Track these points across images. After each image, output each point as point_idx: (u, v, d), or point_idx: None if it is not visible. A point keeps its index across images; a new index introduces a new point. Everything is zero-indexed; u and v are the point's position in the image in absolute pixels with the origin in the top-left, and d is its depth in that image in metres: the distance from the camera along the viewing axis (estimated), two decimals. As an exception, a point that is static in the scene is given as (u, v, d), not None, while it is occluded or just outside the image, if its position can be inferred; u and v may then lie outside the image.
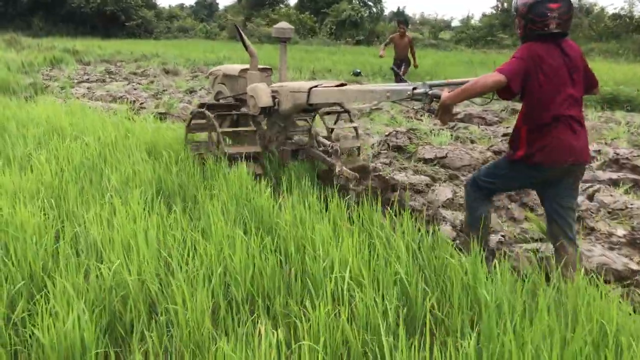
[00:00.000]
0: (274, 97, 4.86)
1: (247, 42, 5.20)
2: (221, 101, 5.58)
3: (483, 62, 20.16)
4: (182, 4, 64.04)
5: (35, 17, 43.63)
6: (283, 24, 5.36)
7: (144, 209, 3.37)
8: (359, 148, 5.59)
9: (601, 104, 10.11)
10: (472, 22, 49.31)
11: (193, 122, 5.11)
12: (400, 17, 13.79)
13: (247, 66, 5.39)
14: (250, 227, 3.17)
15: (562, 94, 2.94)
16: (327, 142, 5.12)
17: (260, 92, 4.82)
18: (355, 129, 5.68)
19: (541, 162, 2.99)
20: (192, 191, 3.99)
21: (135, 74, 16.55)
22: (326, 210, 3.49)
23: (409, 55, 11.61)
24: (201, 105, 5.04)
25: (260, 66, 5.35)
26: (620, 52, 25.61)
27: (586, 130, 3.10)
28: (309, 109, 5.07)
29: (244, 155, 4.59)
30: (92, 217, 3.23)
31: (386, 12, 54.33)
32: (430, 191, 5.23)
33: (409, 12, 59.95)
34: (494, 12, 45.92)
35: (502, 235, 3.92)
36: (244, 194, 3.75)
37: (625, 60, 23.06)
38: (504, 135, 7.45)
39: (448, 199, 5.00)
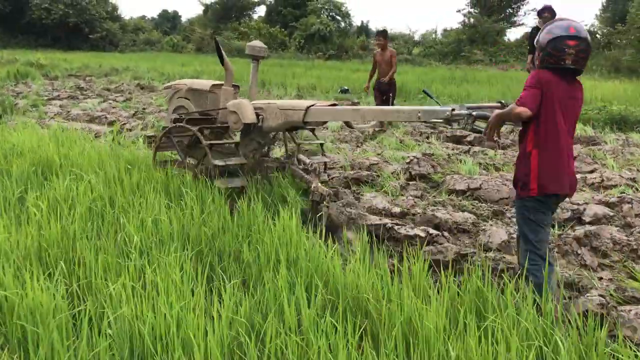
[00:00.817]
0: (257, 114, 4.85)
1: (225, 57, 5.11)
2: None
3: (465, 78, 19.89)
4: (144, 16, 62.71)
5: (-6, 28, 41.91)
6: (257, 43, 5.37)
7: (185, 276, 2.67)
8: (325, 164, 5.62)
9: (609, 124, 9.75)
10: (433, 36, 49.70)
11: (164, 139, 5.00)
12: (380, 30, 10.65)
13: (217, 82, 5.39)
14: (340, 310, 2.47)
15: (564, 124, 3.11)
16: (307, 160, 5.24)
17: (245, 108, 4.78)
18: (321, 145, 5.77)
19: (553, 190, 3.12)
20: (233, 245, 3.30)
21: (108, 89, 15.61)
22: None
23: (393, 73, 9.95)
24: (179, 120, 4.94)
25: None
26: (594, 68, 25.82)
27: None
28: (298, 127, 5.11)
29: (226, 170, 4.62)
30: (121, 293, 2.51)
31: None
32: (481, 232, 4.65)
33: (372, 27, 59.90)
34: (461, 27, 46.45)
35: (601, 296, 3.32)
36: (301, 251, 3.08)
37: (601, 77, 23.22)
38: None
39: (503, 241, 4.42)
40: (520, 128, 3.28)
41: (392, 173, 6.32)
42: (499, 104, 3.60)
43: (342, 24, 52.01)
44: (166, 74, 19.45)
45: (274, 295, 2.54)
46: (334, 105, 4.80)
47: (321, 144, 5.79)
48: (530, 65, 10.70)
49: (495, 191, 5.64)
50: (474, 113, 3.55)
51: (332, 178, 6.10)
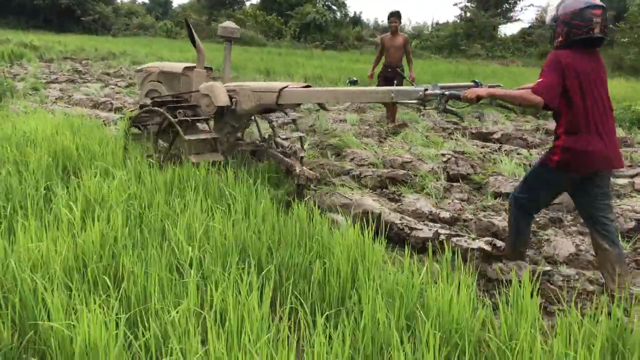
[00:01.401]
0: (230, 97, 4.79)
1: (197, 38, 5.02)
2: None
3: (470, 72, 19.50)
4: (135, 0, 61.52)
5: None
6: (230, 23, 5.28)
7: (258, 300, 2.24)
8: (302, 158, 5.39)
9: (636, 124, 9.41)
10: (425, 31, 49.18)
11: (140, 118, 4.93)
12: (394, 11, 8.79)
13: (189, 64, 5.30)
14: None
15: (595, 99, 3.06)
16: (286, 144, 5.25)
17: (218, 91, 4.72)
18: (301, 138, 5.62)
19: (576, 168, 3.14)
20: (297, 258, 2.86)
21: (107, 74, 15.03)
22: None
23: (404, 61, 9.00)
24: (157, 104, 4.82)
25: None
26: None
27: (616, 137, 3.21)
28: (272, 110, 5.07)
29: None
30: (185, 320, 2.09)
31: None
32: (544, 242, 4.25)
33: (364, 18, 59.16)
34: (458, 20, 46.16)
35: None
36: (382, 271, 2.65)
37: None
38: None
39: (571, 253, 4.02)
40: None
41: (428, 172, 5.90)
42: (473, 84, 3.66)
43: (338, 14, 51.46)
44: (165, 59, 18.83)
45: (376, 334, 2.12)
46: (308, 87, 4.77)
47: (300, 137, 5.68)
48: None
49: (545, 195, 5.24)
50: (446, 92, 3.60)
51: (365, 176, 5.68)
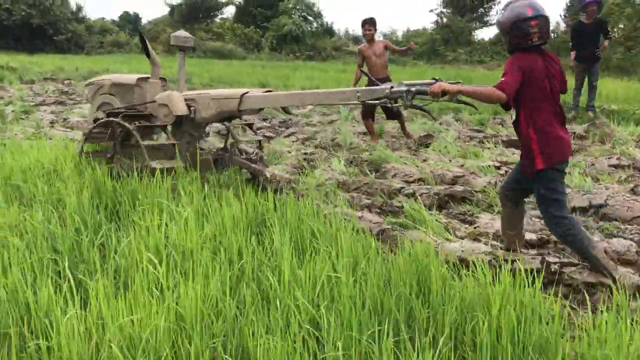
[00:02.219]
0: (189, 106, 4.74)
1: (151, 50, 5.05)
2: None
3: (467, 78, 19.16)
4: (103, 18, 60.34)
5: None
6: (182, 32, 5.27)
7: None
8: (261, 146, 5.49)
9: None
10: (394, 38, 49.13)
11: (95, 131, 4.80)
12: (367, 18, 8.07)
13: (143, 75, 5.29)
14: None
15: (549, 96, 3.27)
16: (250, 150, 5.27)
17: (175, 100, 4.68)
18: (260, 141, 5.57)
19: (558, 160, 3.27)
20: (447, 317, 2.31)
21: (96, 94, 14.27)
22: None
23: (389, 70, 8.32)
24: (112, 115, 4.75)
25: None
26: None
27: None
28: (233, 117, 5.00)
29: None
30: None
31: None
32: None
33: (335, 28, 58.85)
34: (434, 27, 46.35)
35: None
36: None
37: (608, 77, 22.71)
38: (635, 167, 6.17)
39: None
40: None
41: (485, 186, 5.40)
42: (434, 80, 3.66)
43: (314, 25, 51.18)
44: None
45: None
46: (269, 92, 4.74)
47: (259, 141, 5.59)
48: (575, 63, 10.00)
49: (626, 208, 4.78)
50: (412, 89, 3.67)
51: (420, 194, 5.15)
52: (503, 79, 3.20)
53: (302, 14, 49.74)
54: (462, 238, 4.08)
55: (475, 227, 4.39)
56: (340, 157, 6.58)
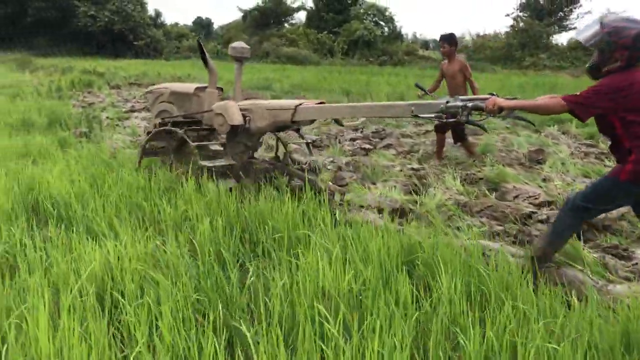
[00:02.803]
0: (244, 116, 4.76)
1: (209, 59, 5.06)
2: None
3: (553, 86, 18.23)
4: (177, 23, 61.88)
5: (39, 36, 41.51)
6: (240, 44, 5.28)
7: None
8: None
9: None
10: (466, 43, 47.63)
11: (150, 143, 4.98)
12: (445, 34, 7.00)
13: (201, 84, 5.33)
14: None
15: None
16: (303, 159, 5.37)
17: (232, 110, 4.71)
18: (308, 145, 5.43)
19: None
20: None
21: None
22: None
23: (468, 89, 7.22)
24: (165, 124, 4.89)
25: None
26: None
27: None
28: (287, 127, 5.01)
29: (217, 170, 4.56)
30: None
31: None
32: None
33: (404, 32, 57.66)
34: (510, 31, 44.90)
35: None
36: None
37: None
38: None
39: None
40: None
41: (624, 213, 4.81)
42: (490, 96, 3.59)
43: (386, 29, 50.64)
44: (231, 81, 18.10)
45: None
46: (322, 103, 4.73)
47: (307, 143, 5.43)
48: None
49: None
50: (469, 104, 3.63)
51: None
52: (585, 95, 3.07)
53: (374, 19, 49.38)
54: (626, 279, 3.57)
55: (634, 265, 3.86)
56: (452, 174, 6.12)
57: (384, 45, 46.67)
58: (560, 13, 46.06)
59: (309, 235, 3.13)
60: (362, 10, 49.68)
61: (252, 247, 3.24)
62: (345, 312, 2.26)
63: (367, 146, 8.05)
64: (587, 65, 3.27)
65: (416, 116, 4.03)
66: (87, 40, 41.88)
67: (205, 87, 5.19)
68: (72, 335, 1.95)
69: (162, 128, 4.84)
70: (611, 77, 3.06)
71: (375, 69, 31.55)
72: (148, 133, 5.21)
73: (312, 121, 5.02)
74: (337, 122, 5.13)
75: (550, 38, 44.45)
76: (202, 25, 70.09)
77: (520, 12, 46.65)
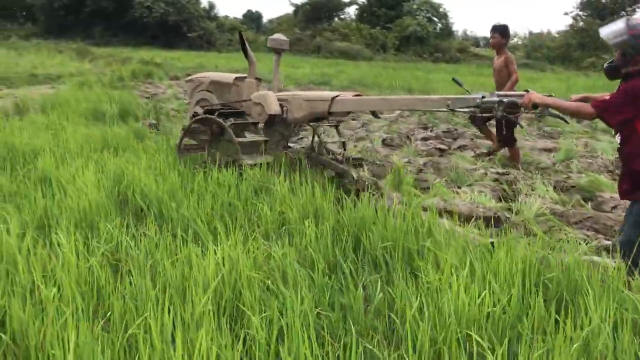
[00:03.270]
0: (282, 106, 4.88)
1: (249, 50, 5.20)
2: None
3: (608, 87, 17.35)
4: (227, 16, 62.24)
5: (95, 26, 42.40)
6: (279, 36, 5.44)
7: None
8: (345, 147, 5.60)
9: None
10: (518, 41, 46.15)
11: (194, 126, 5.01)
12: (497, 24, 6.71)
13: (240, 74, 5.46)
14: None
15: None
16: (337, 150, 5.40)
17: (270, 100, 4.83)
18: (344, 143, 5.62)
19: None
20: None
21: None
22: None
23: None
24: (209, 112, 4.88)
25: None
26: None
27: None
28: (323, 118, 5.05)
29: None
30: None
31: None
32: None
33: (455, 29, 55.85)
34: (569, 30, 43.55)
35: None
36: None
37: None
38: None
39: None
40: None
41: None
42: (526, 92, 3.59)
43: (439, 26, 49.71)
44: (297, 77, 17.96)
45: None
46: (358, 95, 4.87)
47: (343, 142, 5.65)
48: None
49: None
50: (505, 100, 3.70)
51: None
52: (608, 98, 3.09)
53: (427, 15, 48.54)
54: None
55: None
56: (541, 181, 5.77)
57: (436, 42, 45.87)
58: (622, 12, 44.43)
59: (425, 246, 2.88)
60: (415, 6, 48.95)
61: (360, 256, 3.02)
62: (493, 340, 2.02)
63: (442, 146, 7.73)
64: (605, 65, 3.20)
65: (452, 110, 4.14)
66: (142, 31, 42.49)
67: (245, 77, 5.31)
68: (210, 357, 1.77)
69: (206, 116, 4.85)
70: (632, 81, 3.00)
71: (430, 65, 31.00)
72: (193, 115, 5.28)
73: (348, 113, 5.19)
74: (374, 114, 5.15)
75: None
76: (252, 19, 70.39)
77: (580, 10, 45.24)
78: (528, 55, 36.53)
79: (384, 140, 7.95)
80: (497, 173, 6.08)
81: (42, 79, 15.16)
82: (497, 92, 3.92)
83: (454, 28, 57.22)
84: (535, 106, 3.40)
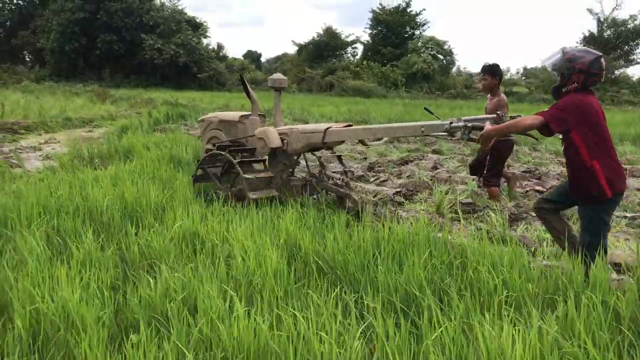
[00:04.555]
0: (282, 139, 5.37)
1: (250, 90, 5.80)
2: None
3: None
4: (234, 58, 62.88)
5: (105, 68, 42.49)
6: (278, 75, 5.95)
7: None
8: (346, 174, 5.98)
9: None
10: (506, 77, 46.09)
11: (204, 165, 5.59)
12: (486, 64, 6.11)
13: (245, 113, 5.98)
14: None
15: (606, 131, 3.53)
16: (337, 175, 5.86)
17: (271, 135, 5.32)
18: (345, 172, 5.98)
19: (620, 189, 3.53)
20: None
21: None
22: None
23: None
24: (221, 148, 5.51)
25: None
26: None
27: None
28: (319, 148, 5.50)
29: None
30: None
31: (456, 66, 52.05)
32: None
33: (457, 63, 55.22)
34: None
35: None
36: None
37: None
38: None
39: None
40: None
41: None
42: (495, 116, 4.22)
43: (444, 62, 50.02)
44: (324, 115, 17.72)
45: None
46: (349, 126, 5.31)
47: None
48: None
49: None
50: (469, 125, 4.06)
51: None
52: (554, 111, 3.43)
53: (432, 52, 48.88)
54: None
55: None
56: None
57: (441, 79, 46.09)
58: (626, 47, 44.88)
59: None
60: (420, 44, 49.35)
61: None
62: None
63: (539, 188, 7.34)
64: (552, 87, 3.67)
65: (426, 135, 4.55)
66: (152, 72, 42.57)
67: (249, 115, 5.86)
68: None
69: (218, 151, 5.41)
70: (570, 95, 3.46)
71: (445, 102, 30.93)
72: (207, 151, 5.83)
73: (341, 142, 5.59)
74: (362, 142, 5.48)
75: (617, 72, 43.32)
76: (253, 58, 71.01)
77: (584, 45, 45.59)
78: (546, 90, 36.48)
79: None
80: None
81: (77, 123, 14.82)
82: (463, 118, 4.16)
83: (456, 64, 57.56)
84: (488, 136, 3.73)
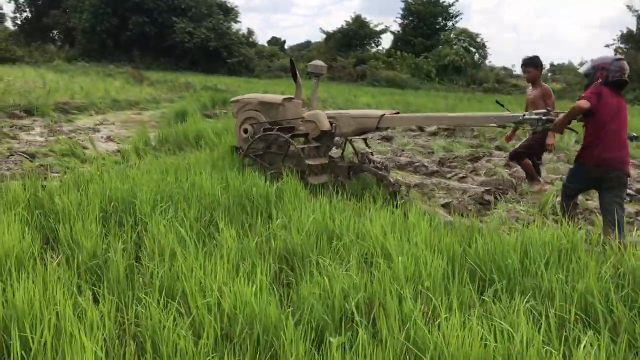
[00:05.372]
0: (331, 123, 5.61)
1: (298, 74, 6.02)
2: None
3: None
4: (263, 45, 62.71)
5: (136, 50, 42.47)
6: (318, 62, 6.18)
7: None
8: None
9: None
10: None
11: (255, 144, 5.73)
12: (528, 57, 6.58)
13: (288, 96, 6.11)
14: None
15: (617, 123, 4.19)
16: (377, 159, 6.27)
17: (321, 118, 5.55)
18: (371, 153, 6.30)
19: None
20: None
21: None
22: None
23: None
24: (271, 129, 5.71)
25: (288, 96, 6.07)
26: None
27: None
28: (366, 132, 5.82)
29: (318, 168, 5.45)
30: None
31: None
32: None
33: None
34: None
35: None
36: None
37: None
38: None
39: None
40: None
41: None
42: (559, 111, 4.71)
43: (477, 56, 49.31)
44: (368, 105, 17.46)
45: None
46: (397, 113, 5.63)
47: (371, 152, 6.35)
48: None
49: None
50: (543, 118, 4.49)
51: None
52: (588, 93, 4.20)
53: (464, 45, 48.19)
54: None
55: None
56: None
57: (473, 71, 45.45)
58: (662, 44, 43.84)
59: None
60: (452, 35, 48.70)
61: None
62: None
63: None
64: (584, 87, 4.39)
65: (496, 125, 4.83)
66: (182, 56, 42.47)
67: (292, 98, 5.98)
68: None
69: (271, 132, 5.61)
70: (595, 84, 4.18)
71: (480, 95, 30.46)
72: (245, 131, 6.01)
73: (394, 127, 6.00)
74: (420, 129, 6.27)
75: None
76: (277, 45, 70.69)
77: (621, 43, 44.63)
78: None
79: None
80: None
81: (125, 105, 14.78)
82: (535, 111, 4.60)
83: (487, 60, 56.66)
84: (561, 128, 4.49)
